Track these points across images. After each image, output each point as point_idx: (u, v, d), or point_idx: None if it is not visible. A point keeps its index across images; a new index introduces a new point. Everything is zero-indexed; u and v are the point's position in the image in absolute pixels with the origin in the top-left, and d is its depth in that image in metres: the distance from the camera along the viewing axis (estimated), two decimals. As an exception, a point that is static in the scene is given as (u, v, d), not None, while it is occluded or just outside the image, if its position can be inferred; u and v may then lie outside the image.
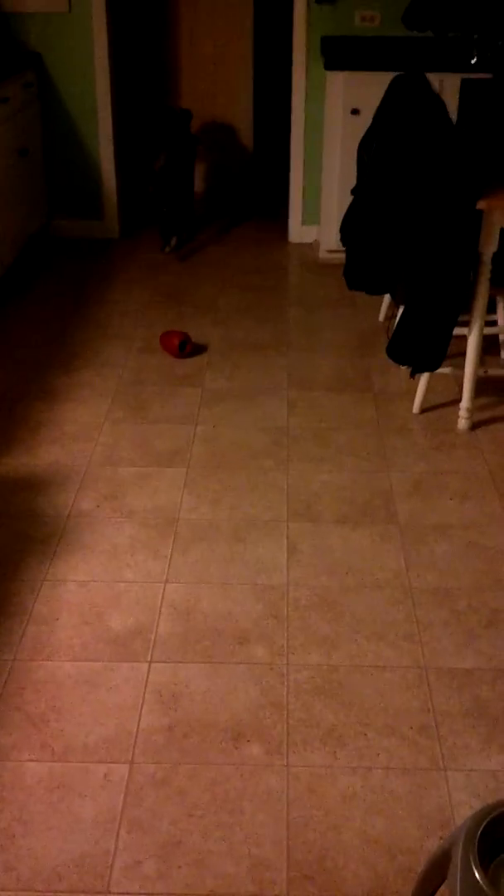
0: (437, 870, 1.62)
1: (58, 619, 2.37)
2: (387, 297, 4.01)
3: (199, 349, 3.79)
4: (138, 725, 2.07)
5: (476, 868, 1.46)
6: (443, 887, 1.58)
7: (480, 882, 1.44)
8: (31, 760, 1.98)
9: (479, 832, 1.52)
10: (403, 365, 3.26)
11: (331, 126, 4.48)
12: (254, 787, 1.93)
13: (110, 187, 4.98)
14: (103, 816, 1.87)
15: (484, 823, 1.53)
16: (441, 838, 1.79)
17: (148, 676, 2.20)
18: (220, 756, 2.00)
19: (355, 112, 4.36)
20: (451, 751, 2.02)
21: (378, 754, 2.01)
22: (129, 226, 5.18)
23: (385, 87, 3.26)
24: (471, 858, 1.48)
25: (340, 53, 4.42)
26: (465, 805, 1.88)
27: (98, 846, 1.82)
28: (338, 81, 4.36)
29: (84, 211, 5.03)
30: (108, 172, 4.95)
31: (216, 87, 5.70)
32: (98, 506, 2.81)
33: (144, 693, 2.15)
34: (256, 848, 1.82)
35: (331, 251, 4.65)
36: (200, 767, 1.98)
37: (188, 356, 3.72)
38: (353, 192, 3.42)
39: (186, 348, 3.70)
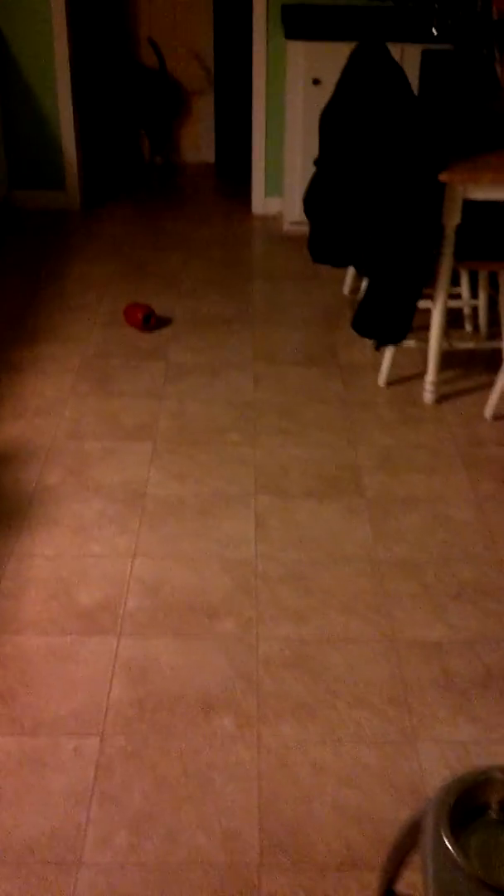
0: (409, 840, 1.64)
1: (25, 594, 2.34)
2: (351, 270, 4.00)
3: (163, 322, 3.75)
4: (108, 699, 2.06)
5: (447, 838, 1.48)
6: (414, 856, 1.60)
7: (452, 852, 1.46)
8: (1, 735, 1.97)
9: (451, 802, 1.54)
10: (368, 338, 3.26)
11: (292, 96, 4.43)
12: (224, 760, 1.94)
13: (71, 156, 4.88)
14: (74, 790, 1.87)
15: (455, 793, 1.55)
16: (412, 808, 1.81)
17: (117, 650, 2.19)
18: (190, 729, 2.00)
19: (317, 82, 4.32)
20: (421, 721, 2.04)
21: (348, 726, 2.02)
22: (91, 196, 5.10)
23: (346, 56, 3.23)
24: (442, 828, 1.50)
25: (301, 23, 4.37)
26: (435, 775, 1.91)
27: (69, 819, 1.81)
28: (299, 51, 4.31)
29: (45, 181, 4.94)
30: (69, 141, 4.85)
31: (177, 55, 5.61)
32: (64, 480, 2.78)
33: (114, 667, 2.14)
34: (228, 820, 1.82)
35: (295, 223, 4.62)
36: (171, 740, 1.98)
37: (153, 329, 3.68)
38: (315, 163, 3.40)
39: (151, 321, 3.67)
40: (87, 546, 2.52)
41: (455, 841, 1.48)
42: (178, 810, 1.84)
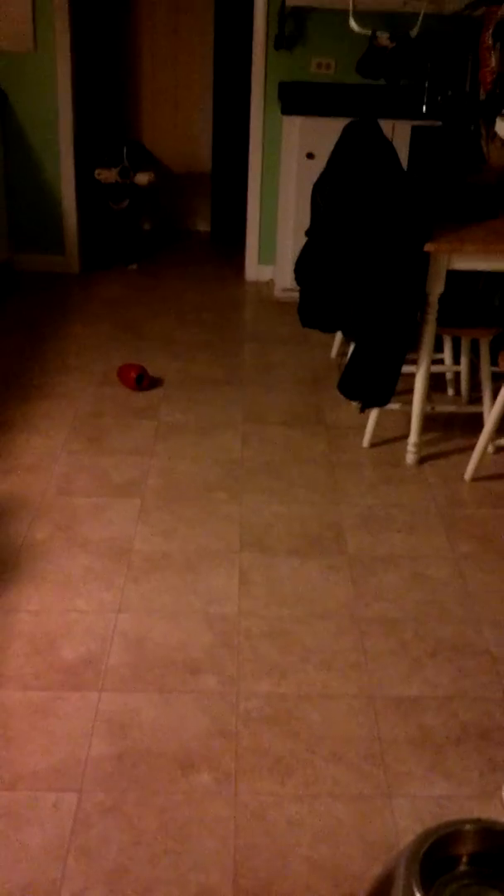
0: (380, 893, 1.65)
1: (9, 649, 2.37)
2: (339, 335, 4.10)
3: (155, 382, 3.84)
4: (88, 754, 2.08)
5: (418, 890, 1.50)
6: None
7: (421, 904, 1.48)
8: (-20, 789, 1.99)
9: (421, 854, 1.56)
10: (354, 400, 3.34)
11: (287, 169, 4.59)
12: (202, 815, 1.95)
13: (71, 223, 5.04)
14: (51, 844, 1.88)
15: (426, 845, 1.57)
16: (385, 864, 1.83)
17: (98, 705, 2.21)
18: (168, 784, 2.02)
19: (310, 156, 4.48)
20: (397, 778, 2.06)
21: (325, 782, 2.04)
22: (89, 261, 5.24)
23: (339, 132, 3.36)
24: (413, 881, 1.52)
25: (296, 99, 4.55)
26: (409, 831, 1.92)
27: (45, 874, 1.82)
28: (294, 126, 4.48)
29: (46, 246, 5.08)
30: (70, 208, 5.01)
31: (176, 127, 5.80)
32: (52, 536, 2.83)
33: (95, 722, 2.17)
34: (203, 875, 1.84)
35: (286, 290, 4.74)
36: (149, 795, 1.99)
37: (145, 389, 3.77)
38: (307, 233, 3.51)
39: (143, 382, 3.75)
40: (72, 601, 2.56)
41: (425, 894, 1.50)
42: (155, 865, 1.85)
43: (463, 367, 3.63)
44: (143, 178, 5.18)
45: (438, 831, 1.60)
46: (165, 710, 2.21)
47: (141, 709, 2.21)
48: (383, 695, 2.28)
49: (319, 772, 2.06)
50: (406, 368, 3.21)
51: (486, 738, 2.16)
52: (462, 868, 1.59)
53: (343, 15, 4.48)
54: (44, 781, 2.01)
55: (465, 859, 1.60)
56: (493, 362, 3.31)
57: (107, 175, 5.09)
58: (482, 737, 2.16)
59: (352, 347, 3.33)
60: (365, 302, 3.11)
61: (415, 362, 3.22)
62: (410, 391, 3.29)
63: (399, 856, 1.59)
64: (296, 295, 3.88)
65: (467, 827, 1.61)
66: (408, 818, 1.97)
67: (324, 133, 4.33)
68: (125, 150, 5.15)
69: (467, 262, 3.08)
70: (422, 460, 3.32)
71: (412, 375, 3.27)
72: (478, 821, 1.65)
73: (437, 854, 1.57)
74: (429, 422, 3.39)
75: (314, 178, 3.51)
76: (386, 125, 4.17)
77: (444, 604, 2.61)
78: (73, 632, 2.44)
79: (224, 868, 1.85)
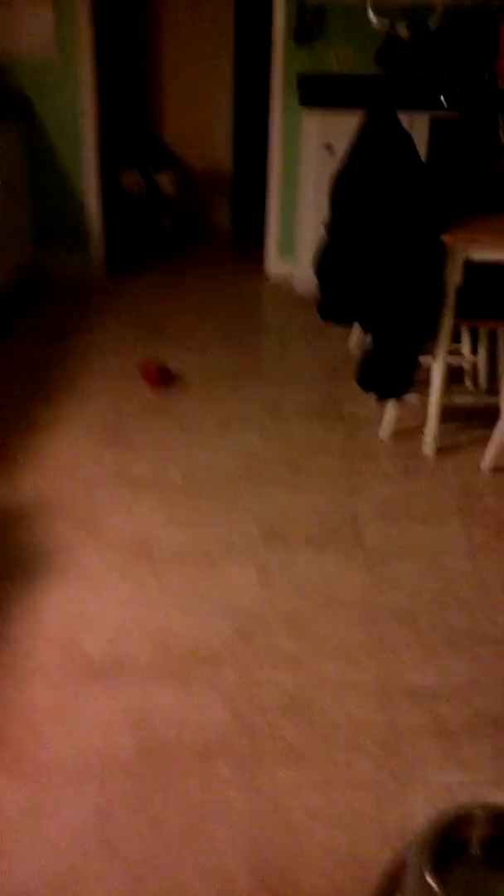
0: (393, 877, 1.68)
1: (32, 643, 2.42)
2: (358, 326, 4.10)
3: (176, 377, 3.87)
4: (109, 745, 2.12)
5: (429, 874, 1.52)
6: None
7: (433, 886, 1.50)
8: (3, 781, 2.03)
9: (433, 839, 1.58)
10: (371, 392, 3.35)
11: (306, 162, 4.60)
12: (220, 804, 1.99)
13: (95, 222, 5.08)
14: (74, 835, 1.91)
15: (437, 831, 1.59)
16: (399, 850, 1.85)
17: (119, 697, 2.25)
18: (188, 775, 2.06)
19: (329, 148, 4.48)
20: (411, 765, 2.08)
21: (340, 770, 2.07)
22: (112, 260, 5.29)
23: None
24: (424, 865, 1.55)
25: (316, 91, 4.56)
26: (422, 817, 1.94)
27: (70, 866, 1.86)
28: (313, 118, 4.49)
29: (70, 246, 5.14)
30: (92, 208, 5.06)
31: (197, 125, 5.83)
32: (74, 532, 2.87)
33: (115, 714, 2.21)
34: (221, 861, 1.87)
35: (306, 284, 4.75)
36: (169, 785, 2.03)
37: (165, 384, 3.80)
38: (324, 225, 3.52)
39: (164, 377, 3.79)
40: (94, 595, 2.60)
41: (437, 877, 1.52)
42: (175, 853, 1.88)
43: (481, 357, 3.63)
44: (164, 179, 5.25)
45: (449, 815, 1.63)
46: (185, 701, 2.25)
47: (161, 700, 2.25)
48: (398, 683, 2.30)
49: (335, 760, 2.09)
50: (423, 360, 3.21)
51: (500, 726, 2.18)
52: (473, 852, 1.61)
53: (362, 8, 4.47)
54: (67, 774, 2.05)
55: (476, 843, 1.62)
56: (512, 353, 3.31)
57: (129, 179, 5.15)
58: (495, 725, 2.18)
59: (370, 339, 3.34)
60: (382, 293, 3.12)
61: (432, 353, 3.23)
62: (428, 382, 3.30)
63: (411, 842, 1.61)
64: (315, 289, 3.89)
65: (478, 811, 1.64)
66: (422, 805, 1.99)
67: (342, 125, 4.32)
68: (145, 148, 5.20)
69: (484, 253, 3.08)
70: (439, 451, 3.33)
71: (430, 367, 3.27)
72: (488, 805, 1.68)
73: (448, 838, 1.60)
74: (446, 413, 3.40)
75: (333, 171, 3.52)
76: (405, 117, 4.16)
77: (460, 593, 2.62)
78: (95, 626, 2.49)
79: (240, 854, 1.88)
